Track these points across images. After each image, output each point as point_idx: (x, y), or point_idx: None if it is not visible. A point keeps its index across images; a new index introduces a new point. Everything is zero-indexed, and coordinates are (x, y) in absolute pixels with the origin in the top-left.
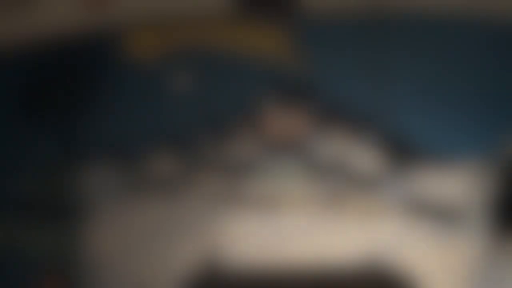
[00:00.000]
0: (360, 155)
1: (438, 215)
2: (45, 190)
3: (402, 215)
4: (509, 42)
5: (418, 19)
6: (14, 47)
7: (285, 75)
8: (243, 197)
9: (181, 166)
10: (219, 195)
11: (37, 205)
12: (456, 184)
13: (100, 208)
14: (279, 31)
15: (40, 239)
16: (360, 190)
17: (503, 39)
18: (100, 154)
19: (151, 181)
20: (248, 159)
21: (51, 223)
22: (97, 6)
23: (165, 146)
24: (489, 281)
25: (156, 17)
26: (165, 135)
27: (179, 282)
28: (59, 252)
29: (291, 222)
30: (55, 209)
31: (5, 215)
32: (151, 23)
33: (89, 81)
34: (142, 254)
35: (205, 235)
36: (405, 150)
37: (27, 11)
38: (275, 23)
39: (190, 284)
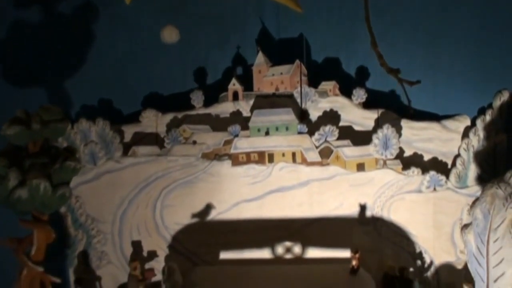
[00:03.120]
0: (350, 109)
1: (425, 168)
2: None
3: (392, 168)
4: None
5: None
6: None
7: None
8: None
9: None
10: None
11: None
12: (446, 139)
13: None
14: None
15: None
16: (352, 143)
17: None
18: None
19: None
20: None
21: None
22: None
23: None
24: (475, 231)
25: None
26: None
27: None
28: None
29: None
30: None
31: None
32: None
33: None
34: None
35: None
36: (396, 105)
37: None
38: None
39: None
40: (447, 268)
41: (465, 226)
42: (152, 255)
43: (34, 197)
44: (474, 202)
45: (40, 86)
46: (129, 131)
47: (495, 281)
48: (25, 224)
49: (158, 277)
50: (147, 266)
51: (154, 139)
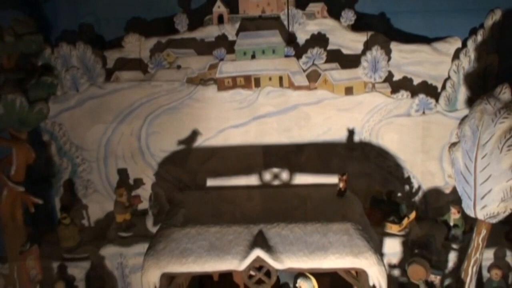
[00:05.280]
0: (339, 32)
1: (415, 92)
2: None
3: (381, 91)
4: None
5: None
6: None
7: None
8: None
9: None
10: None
11: None
12: (436, 62)
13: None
14: None
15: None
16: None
17: None
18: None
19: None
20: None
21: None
22: None
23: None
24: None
25: None
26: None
27: None
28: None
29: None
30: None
31: None
32: None
33: None
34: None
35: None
36: (387, 29)
37: None
38: None
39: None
40: (435, 192)
41: (453, 145)
42: (138, 182)
43: (10, 113)
44: (463, 120)
45: (19, 10)
46: (111, 56)
47: (482, 198)
48: (2, 142)
49: (145, 204)
50: (133, 193)
51: (137, 64)
